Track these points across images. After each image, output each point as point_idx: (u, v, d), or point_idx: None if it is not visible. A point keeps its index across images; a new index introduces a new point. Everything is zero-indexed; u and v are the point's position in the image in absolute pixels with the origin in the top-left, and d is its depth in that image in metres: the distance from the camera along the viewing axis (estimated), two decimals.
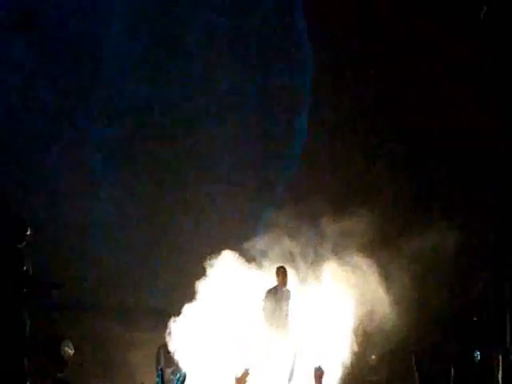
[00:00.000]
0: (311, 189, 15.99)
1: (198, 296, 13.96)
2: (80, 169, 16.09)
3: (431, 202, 15.96)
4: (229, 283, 13.97)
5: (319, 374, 12.50)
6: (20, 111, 16.17)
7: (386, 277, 14.24)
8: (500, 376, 13.75)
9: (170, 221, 16.46)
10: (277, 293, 13.55)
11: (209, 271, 13.99)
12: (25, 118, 16.16)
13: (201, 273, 14.00)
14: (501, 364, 13.95)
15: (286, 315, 13.57)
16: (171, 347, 13.92)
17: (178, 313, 13.92)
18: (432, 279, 14.82)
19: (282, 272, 13.55)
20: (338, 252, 14.24)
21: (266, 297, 13.51)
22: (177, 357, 13.88)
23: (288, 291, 13.66)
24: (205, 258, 13.99)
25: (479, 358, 14.54)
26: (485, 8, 13.26)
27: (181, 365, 13.66)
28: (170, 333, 13.97)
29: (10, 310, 11.38)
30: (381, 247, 14.51)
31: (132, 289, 16.00)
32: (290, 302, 13.64)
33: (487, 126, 15.40)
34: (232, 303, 13.89)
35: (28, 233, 11.51)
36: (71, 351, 13.34)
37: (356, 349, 14.00)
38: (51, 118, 16.24)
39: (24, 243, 11.49)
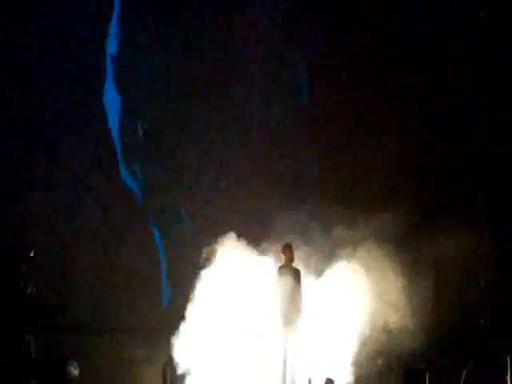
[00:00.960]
0: (324, 191, 16.01)
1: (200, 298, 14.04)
2: None
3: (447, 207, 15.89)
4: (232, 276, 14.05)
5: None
6: None
7: (400, 283, 14.21)
8: None
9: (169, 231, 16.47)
10: (287, 269, 13.46)
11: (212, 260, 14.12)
12: None
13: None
14: None
15: (298, 294, 13.43)
16: (177, 364, 13.95)
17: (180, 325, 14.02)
18: (446, 288, 14.80)
19: (288, 249, 13.52)
20: (351, 255, 14.25)
21: (278, 274, 13.42)
22: (183, 373, 13.93)
23: (297, 269, 13.56)
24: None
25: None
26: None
27: (188, 381, 13.80)
28: (173, 349, 14.03)
29: (13, 331, 11.39)
30: (395, 252, 14.48)
31: (133, 307, 15.94)
32: (300, 280, 13.50)
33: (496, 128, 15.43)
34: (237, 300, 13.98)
35: (31, 255, 11.53)
36: (76, 371, 13.31)
37: (364, 353, 14.05)
38: None
39: (27, 265, 11.50)
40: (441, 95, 16.04)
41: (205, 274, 14.13)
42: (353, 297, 14.06)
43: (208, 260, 14.12)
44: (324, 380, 12.60)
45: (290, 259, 13.53)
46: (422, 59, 16.23)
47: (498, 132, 15.75)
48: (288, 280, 13.39)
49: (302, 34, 16.80)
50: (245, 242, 14.23)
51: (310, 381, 12.94)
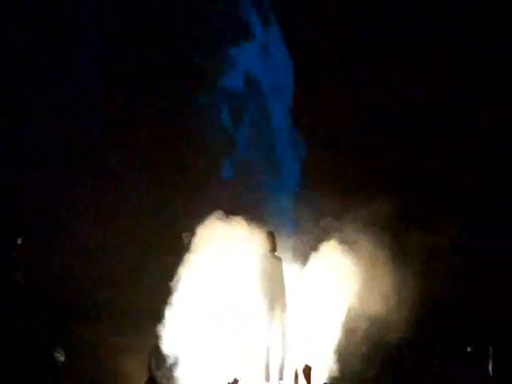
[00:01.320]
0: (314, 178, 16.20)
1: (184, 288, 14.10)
2: None
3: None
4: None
5: (307, 370, 12.77)
6: None
7: (387, 273, 14.34)
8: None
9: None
10: (270, 257, 13.65)
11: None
12: None
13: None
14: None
15: (281, 282, 13.65)
16: (163, 350, 14.04)
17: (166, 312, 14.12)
18: (433, 279, 14.97)
19: (271, 236, 13.71)
20: (338, 243, 14.41)
21: (262, 260, 13.61)
22: (170, 360, 14.04)
23: (279, 258, 13.74)
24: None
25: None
26: None
27: (174, 368, 13.91)
28: (160, 336, 14.12)
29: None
30: (384, 242, 14.53)
31: (122, 293, 16.02)
32: (283, 269, 13.70)
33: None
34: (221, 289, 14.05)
35: (19, 242, 11.66)
36: (62, 359, 13.48)
37: (348, 341, 14.22)
38: None
39: (15, 252, 11.63)
40: (437, 95, 16.23)
41: (189, 258, 14.22)
42: (339, 285, 14.19)
43: (191, 243, 14.27)
44: (302, 367, 12.76)
45: (273, 247, 13.72)
46: (419, 59, 16.41)
47: (493, 133, 15.96)
48: (272, 267, 13.57)
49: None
50: (230, 227, 14.29)
51: (296, 372, 13.08)
